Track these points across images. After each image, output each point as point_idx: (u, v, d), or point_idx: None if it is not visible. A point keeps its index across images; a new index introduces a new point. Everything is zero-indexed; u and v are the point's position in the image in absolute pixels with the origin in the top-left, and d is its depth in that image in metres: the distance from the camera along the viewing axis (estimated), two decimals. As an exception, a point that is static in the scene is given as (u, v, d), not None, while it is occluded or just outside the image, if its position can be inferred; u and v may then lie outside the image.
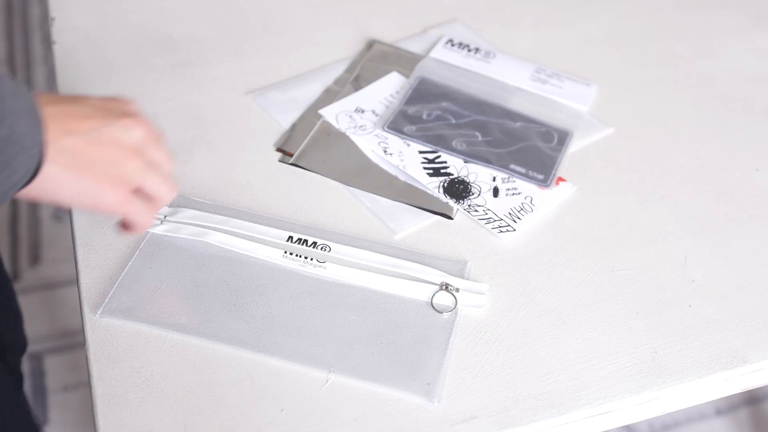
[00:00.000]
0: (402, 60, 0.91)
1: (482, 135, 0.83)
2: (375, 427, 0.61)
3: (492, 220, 0.75)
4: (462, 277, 0.70)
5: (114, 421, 0.60)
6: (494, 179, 0.79)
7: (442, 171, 0.79)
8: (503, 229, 0.74)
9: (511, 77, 0.90)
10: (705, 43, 0.97)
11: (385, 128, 0.82)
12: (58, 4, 0.96)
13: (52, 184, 0.57)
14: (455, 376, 0.64)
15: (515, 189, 0.78)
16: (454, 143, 0.81)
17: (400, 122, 0.83)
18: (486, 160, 0.80)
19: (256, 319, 0.66)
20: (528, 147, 0.82)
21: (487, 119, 0.85)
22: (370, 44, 0.93)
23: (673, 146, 0.84)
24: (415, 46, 0.93)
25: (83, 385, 1.38)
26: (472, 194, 0.77)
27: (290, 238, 0.72)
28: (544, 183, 0.79)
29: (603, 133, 0.85)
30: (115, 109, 0.62)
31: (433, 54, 0.92)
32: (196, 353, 0.64)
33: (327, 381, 0.63)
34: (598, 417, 0.63)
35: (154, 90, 0.86)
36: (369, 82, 0.88)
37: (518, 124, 0.85)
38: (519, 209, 0.76)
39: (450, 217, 0.75)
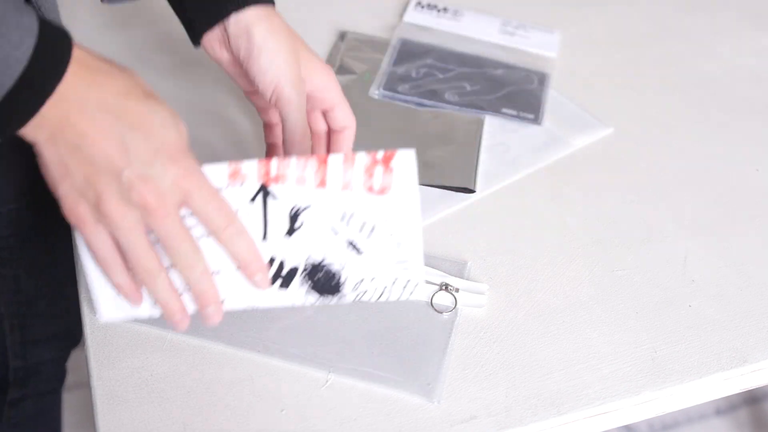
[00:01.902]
0: (378, 45, 0.93)
1: (470, 85, 0.88)
2: (375, 427, 0.60)
3: (388, 290, 0.62)
4: (462, 277, 0.70)
5: (114, 421, 0.60)
6: (333, 228, 0.59)
7: (282, 274, 0.61)
8: (411, 286, 0.62)
9: (481, 33, 0.96)
10: (705, 43, 0.97)
11: (381, 90, 0.87)
12: (60, 4, 0.95)
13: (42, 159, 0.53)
14: (455, 376, 0.64)
15: (364, 222, 0.59)
16: (446, 96, 0.87)
17: (393, 83, 0.88)
18: (480, 108, 0.86)
19: (255, 320, 0.66)
20: (514, 91, 0.88)
21: (470, 70, 0.90)
22: (342, 35, 0.95)
23: (673, 146, 0.84)
24: (384, 33, 0.96)
25: (83, 385, 1.38)
26: (338, 276, 0.61)
27: None
28: (536, 122, 0.85)
29: (603, 133, 0.85)
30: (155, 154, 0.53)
31: (406, 18, 0.97)
32: (196, 353, 0.64)
33: (327, 381, 0.63)
34: (598, 417, 0.63)
35: (154, 90, 0.86)
36: (352, 72, 0.90)
37: (499, 71, 0.90)
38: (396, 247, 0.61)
39: (472, 191, 0.78)
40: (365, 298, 0.62)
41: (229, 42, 0.67)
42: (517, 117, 0.86)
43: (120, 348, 0.64)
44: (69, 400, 1.27)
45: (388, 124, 0.85)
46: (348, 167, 0.58)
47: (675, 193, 0.79)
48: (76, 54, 0.51)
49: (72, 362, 1.10)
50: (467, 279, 0.70)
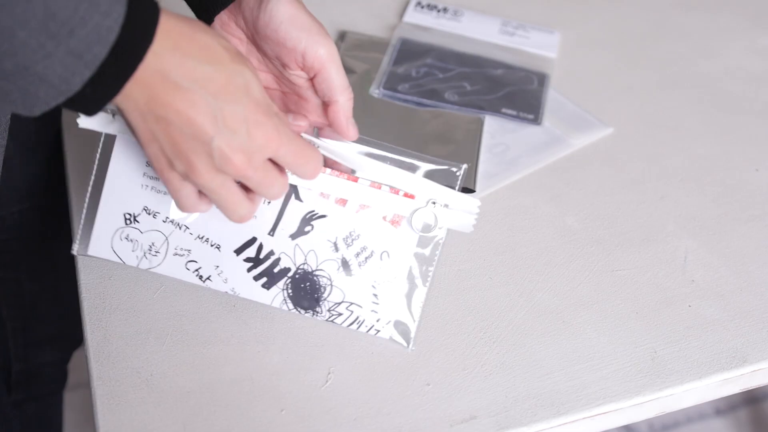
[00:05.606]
0: (378, 45, 0.93)
1: (470, 85, 0.88)
2: (375, 427, 0.60)
3: (360, 321, 0.64)
4: (454, 186, 0.62)
5: (114, 421, 0.60)
6: (335, 244, 0.62)
7: (274, 271, 0.64)
8: (379, 328, 0.64)
9: (481, 33, 0.96)
10: (705, 43, 0.97)
11: (381, 89, 0.87)
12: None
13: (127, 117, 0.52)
14: (455, 376, 0.64)
15: (363, 247, 0.62)
16: (446, 95, 0.87)
17: (393, 82, 0.88)
18: (479, 108, 0.86)
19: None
20: (513, 91, 0.88)
21: (470, 70, 0.90)
22: (342, 35, 0.95)
23: (673, 146, 0.84)
24: (384, 33, 0.96)
25: (84, 385, 1.38)
26: (323, 290, 0.63)
27: None
28: (536, 122, 0.85)
29: (603, 133, 0.85)
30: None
31: (406, 18, 0.97)
32: (196, 353, 0.64)
33: (327, 381, 0.63)
34: (598, 417, 0.63)
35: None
36: (353, 71, 0.89)
37: (499, 71, 0.91)
38: (380, 283, 0.63)
39: (472, 190, 0.77)
40: (337, 321, 0.64)
41: (242, 13, 0.62)
42: (517, 117, 0.86)
43: (120, 348, 0.64)
44: (70, 400, 1.27)
45: (388, 124, 0.85)
46: (372, 193, 0.60)
47: (675, 193, 0.79)
48: (162, 20, 0.49)
49: (73, 362, 1.10)
50: (458, 190, 0.62)
